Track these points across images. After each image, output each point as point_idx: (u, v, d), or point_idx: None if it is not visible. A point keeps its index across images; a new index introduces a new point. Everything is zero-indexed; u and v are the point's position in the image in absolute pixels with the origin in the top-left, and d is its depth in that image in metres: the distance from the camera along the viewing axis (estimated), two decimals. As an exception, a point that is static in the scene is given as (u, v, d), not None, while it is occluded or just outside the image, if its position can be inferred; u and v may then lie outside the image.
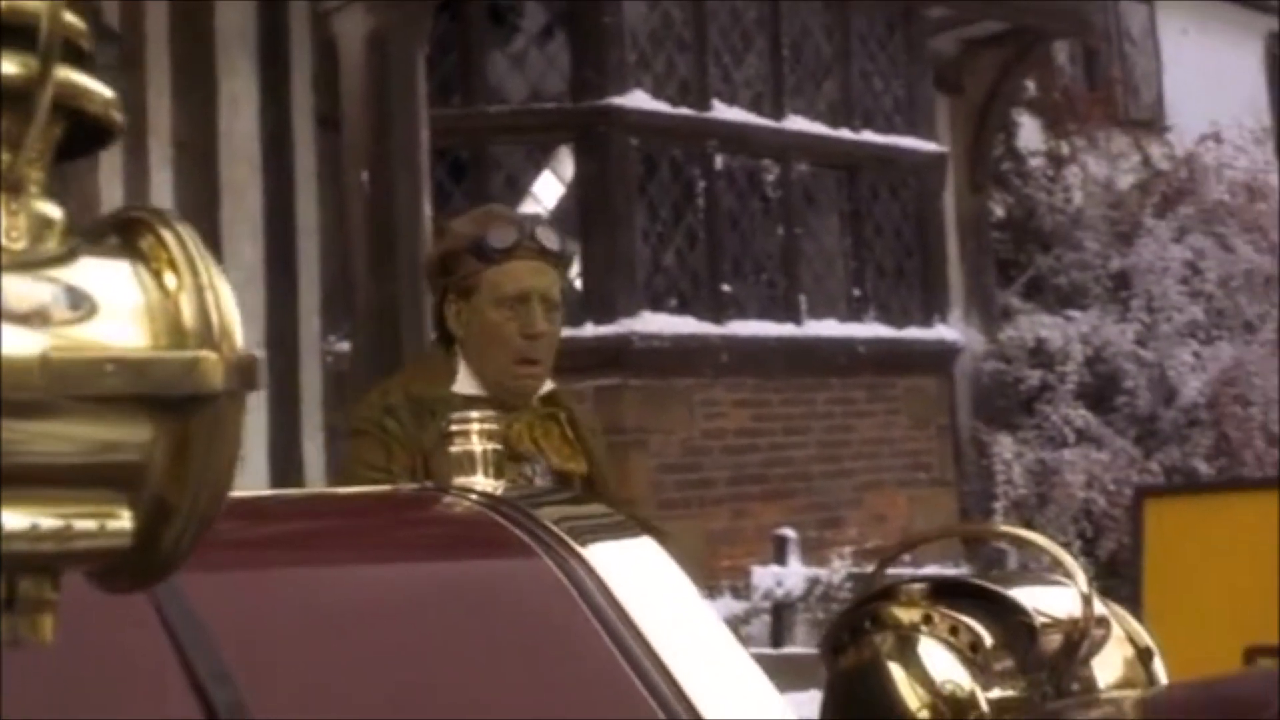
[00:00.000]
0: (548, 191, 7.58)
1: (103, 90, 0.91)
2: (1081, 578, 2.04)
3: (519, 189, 7.59)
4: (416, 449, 2.85)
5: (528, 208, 7.62)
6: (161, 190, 5.87)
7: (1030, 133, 11.33)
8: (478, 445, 2.08)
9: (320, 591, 1.72)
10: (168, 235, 0.91)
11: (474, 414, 2.09)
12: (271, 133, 6.25)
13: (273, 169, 6.37)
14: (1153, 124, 12.79)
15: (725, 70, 8.07)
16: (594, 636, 1.72)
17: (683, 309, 7.62)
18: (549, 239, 2.95)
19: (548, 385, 3.00)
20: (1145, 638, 2.09)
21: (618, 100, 7.48)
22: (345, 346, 6.27)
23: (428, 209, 5.66)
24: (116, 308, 0.87)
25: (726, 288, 7.70)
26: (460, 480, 2.06)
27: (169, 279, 0.89)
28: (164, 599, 1.47)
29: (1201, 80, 13.32)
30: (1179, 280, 10.04)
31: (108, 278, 0.88)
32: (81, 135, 0.95)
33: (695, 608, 1.87)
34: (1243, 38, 14.78)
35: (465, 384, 2.96)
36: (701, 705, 1.68)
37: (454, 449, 2.09)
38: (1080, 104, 11.54)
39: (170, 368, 0.86)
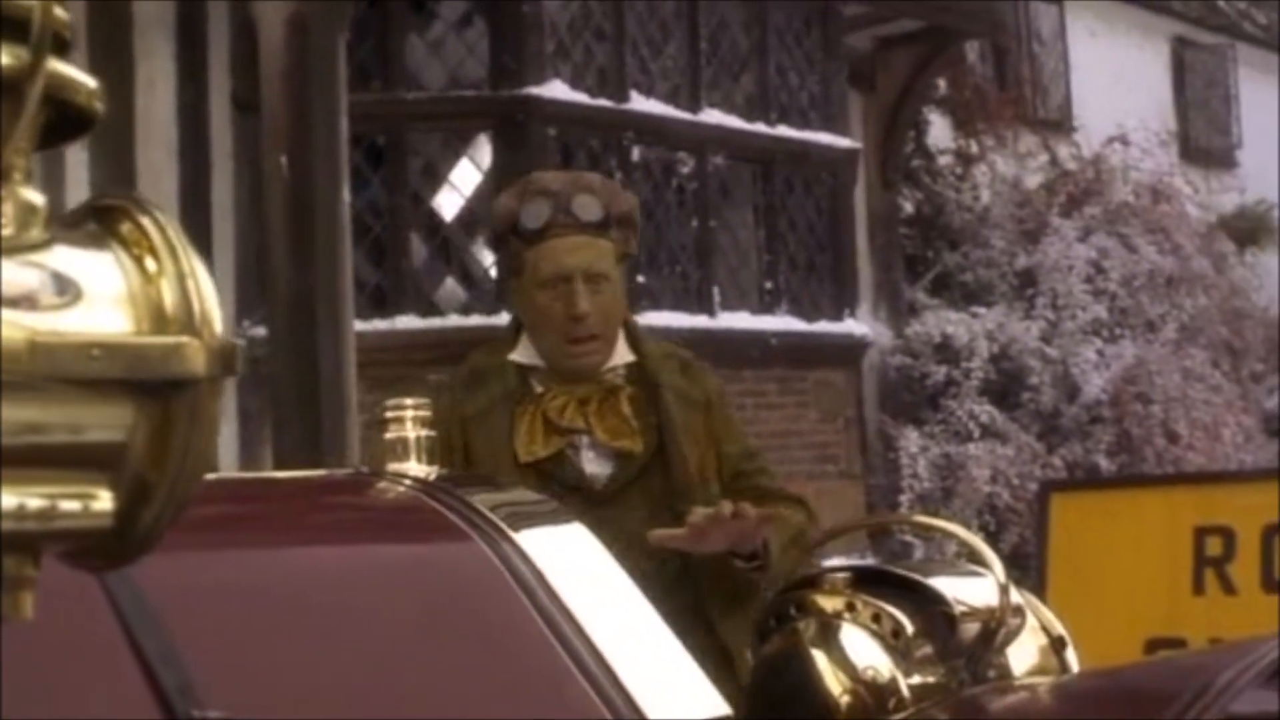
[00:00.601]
0: (465, 179, 7.59)
1: (87, 81, 0.94)
2: (999, 569, 2.10)
3: (437, 176, 7.59)
4: (455, 420, 2.75)
5: (445, 195, 7.62)
6: (77, 171, 5.82)
7: (940, 131, 11.45)
8: (411, 432, 2.10)
9: (259, 574, 1.74)
10: (147, 222, 0.93)
11: (408, 400, 2.10)
12: (188, 115, 6.22)
13: (189, 151, 6.33)
14: (1060, 125, 12.97)
15: (643, 62, 8.11)
16: (527, 618, 1.75)
17: (596, 298, 7.64)
18: (587, 209, 2.78)
19: (625, 356, 2.86)
20: (1058, 627, 2.16)
21: (536, 90, 7.49)
22: (261, 331, 6.25)
23: (346, 195, 5.65)
24: (100, 293, 0.90)
25: (641, 278, 7.74)
26: (394, 466, 2.08)
27: (150, 265, 0.92)
28: (112, 582, 1.49)
29: (1109, 82, 13.53)
30: (1083, 279, 10.19)
31: (91, 264, 0.91)
32: (61, 124, 0.97)
33: (625, 592, 1.90)
34: (1149, 41, 15.01)
35: (523, 353, 2.86)
36: (632, 686, 1.72)
37: (388, 435, 2.10)
38: (990, 103, 11.68)
39: (154, 352, 0.89)
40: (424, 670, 1.70)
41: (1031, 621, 2.16)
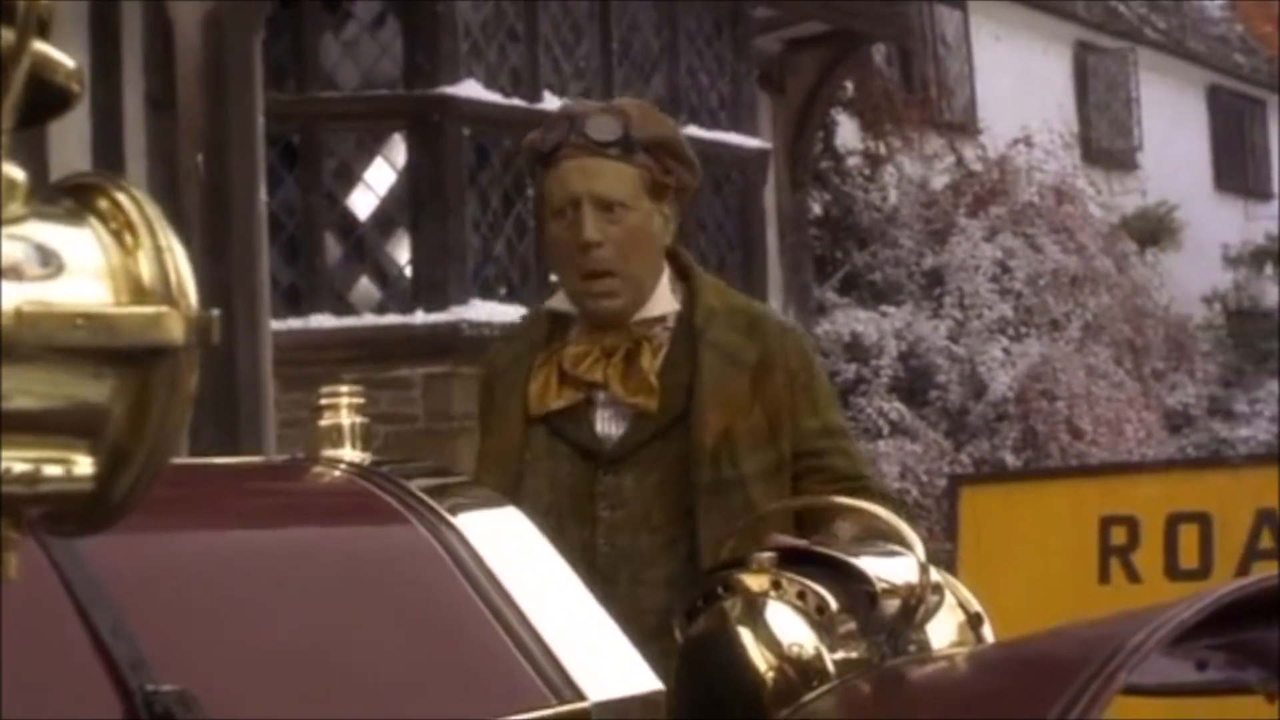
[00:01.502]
0: (380, 179, 7.60)
1: (66, 62, 0.98)
2: (920, 548, 2.17)
3: (351, 176, 7.60)
4: (487, 378, 2.61)
5: (359, 195, 7.63)
6: (-13, 169, 5.76)
7: (848, 132, 11.58)
8: (346, 419, 2.12)
9: (198, 555, 1.77)
10: (123, 199, 0.97)
11: (343, 388, 2.11)
12: (103, 113, 6.19)
13: (103, 149, 6.29)
14: (966, 127, 13.15)
15: (556, 62, 8.15)
16: (463, 597, 1.79)
17: (511, 297, 7.68)
18: (601, 129, 2.50)
19: (667, 304, 2.57)
20: (975, 605, 2.23)
21: (450, 89, 7.52)
22: (175, 329, 6.22)
23: (263, 193, 5.66)
24: (81, 266, 0.94)
25: (554, 277, 7.79)
26: (329, 453, 2.10)
27: (127, 239, 0.96)
28: (62, 561, 1.52)
29: (1012, 86, 13.73)
30: (990, 279, 10.35)
31: (71, 238, 0.95)
32: (39, 105, 1.01)
33: (559, 571, 1.94)
34: (1052, 45, 15.24)
35: (560, 300, 2.61)
36: (569, 663, 1.76)
37: (322, 422, 2.11)
38: (897, 106, 11.82)
39: (134, 322, 0.93)
40: (361, 648, 1.74)
41: (950, 599, 2.22)
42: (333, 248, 7.53)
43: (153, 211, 0.97)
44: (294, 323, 7.11)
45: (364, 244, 7.63)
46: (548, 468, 2.52)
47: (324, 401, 2.13)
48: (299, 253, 7.40)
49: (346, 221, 7.59)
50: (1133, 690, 1.93)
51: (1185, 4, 18.50)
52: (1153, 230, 14.39)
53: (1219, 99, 17.83)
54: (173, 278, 0.95)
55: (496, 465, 2.54)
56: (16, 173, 0.94)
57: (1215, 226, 15.70)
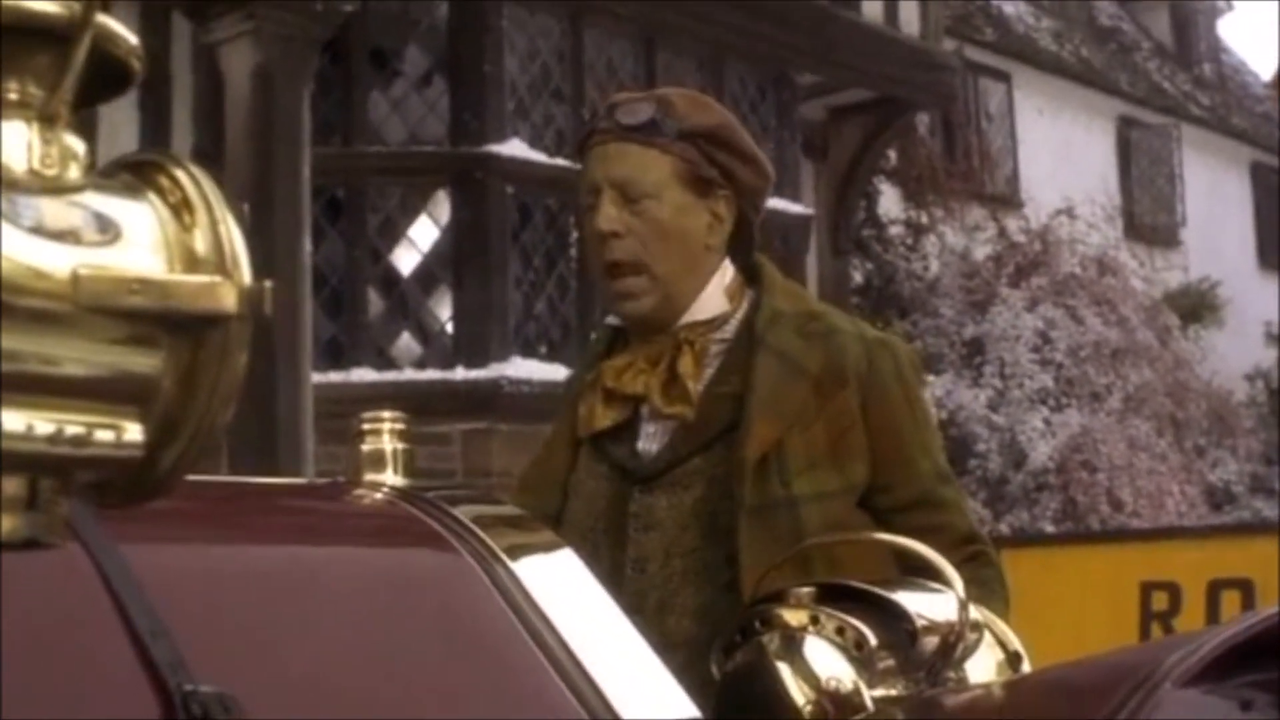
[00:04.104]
0: (423, 235, 7.65)
1: (128, 36, 0.99)
2: (959, 585, 2.15)
3: (395, 231, 7.65)
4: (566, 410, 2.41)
5: (403, 250, 7.68)
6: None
7: (890, 201, 11.62)
8: (388, 444, 2.11)
9: (242, 566, 1.77)
10: (182, 175, 0.99)
11: (385, 413, 2.09)
12: (152, 162, 6.24)
13: (151, 199, 6.34)
14: (1008, 199, 13.17)
15: (601, 124, 8.21)
16: (505, 620, 1.78)
17: (552, 355, 7.71)
18: (631, 113, 2.28)
19: (717, 305, 2.33)
20: (1015, 643, 2.21)
21: (495, 148, 7.58)
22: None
23: (308, 245, 5.70)
24: (138, 235, 0.95)
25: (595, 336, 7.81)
26: (370, 477, 2.10)
27: (185, 215, 0.97)
28: (105, 562, 1.53)
29: (1055, 159, 13.76)
30: (1031, 349, 10.33)
31: (128, 209, 0.96)
32: (96, 84, 1.02)
33: (598, 598, 1.93)
34: (1095, 120, 15.27)
35: (614, 313, 2.41)
36: (606, 688, 1.75)
37: (365, 446, 2.10)
38: (939, 176, 11.85)
39: (189, 290, 0.94)
40: (398, 664, 1.74)
41: (989, 637, 2.20)
42: (375, 302, 7.57)
43: (210, 188, 0.98)
44: (334, 376, 7.15)
45: (406, 299, 7.67)
46: (589, 489, 2.35)
47: (366, 426, 2.11)
48: (341, 306, 7.44)
49: (389, 276, 7.64)
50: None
51: (1229, 81, 18.52)
52: (1195, 306, 14.35)
53: (1262, 176, 17.81)
54: (227, 250, 0.96)
55: (532, 489, 2.40)
56: (76, 143, 0.96)
57: (1258, 303, 15.64)
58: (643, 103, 2.29)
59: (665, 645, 1.98)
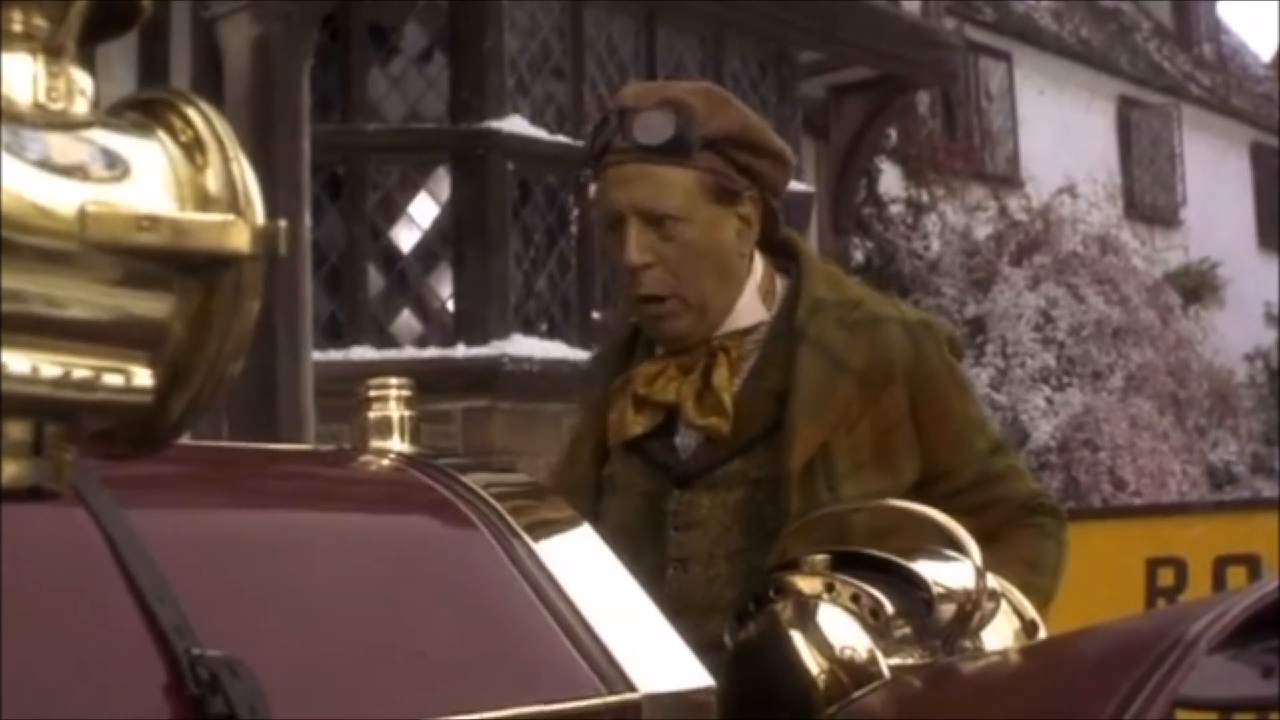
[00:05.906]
0: (423, 212, 7.61)
1: (136, -31, 0.96)
2: (976, 553, 2.12)
3: (395, 208, 7.62)
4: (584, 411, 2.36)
5: (403, 227, 7.64)
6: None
7: (891, 180, 11.58)
8: (395, 411, 2.08)
9: (249, 531, 1.74)
10: (192, 113, 0.95)
11: (392, 380, 2.06)
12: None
13: (150, 174, 6.30)
14: (1009, 179, 13.14)
15: (601, 100, 8.17)
16: (516, 586, 1.75)
17: (553, 333, 7.68)
18: (649, 130, 2.14)
19: (754, 314, 2.24)
20: (1031, 611, 2.18)
21: (495, 124, 7.54)
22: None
23: (308, 220, 5.67)
24: (148, 172, 0.91)
25: (596, 315, 7.76)
26: (377, 444, 2.07)
27: (196, 154, 0.93)
28: (111, 526, 1.50)
29: (1056, 137, 13.72)
30: (1032, 328, 10.30)
31: (139, 147, 0.92)
32: (102, 19, 0.99)
33: (611, 565, 1.91)
34: (1095, 100, 15.23)
35: (650, 334, 2.32)
36: (620, 654, 1.72)
37: (371, 414, 2.08)
38: (940, 155, 11.82)
39: (200, 228, 0.90)
40: (408, 629, 1.71)
41: (1005, 606, 2.17)
42: (375, 280, 7.54)
43: (222, 126, 0.94)
44: (334, 354, 7.11)
45: (406, 277, 7.64)
46: (624, 483, 2.27)
47: (372, 393, 2.08)
48: (341, 284, 7.41)
49: (389, 254, 7.61)
50: (1188, 704, 1.88)
51: (1229, 62, 18.48)
52: (1195, 286, 14.33)
53: (1262, 156, 17.77)
54: (240, 189, 0.93)
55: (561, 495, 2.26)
56: (84, 79, 0.92)
57: (1258, 284, 15.62)
58: (658, 112, 2.14)
59: (709, 647, 1.91)
